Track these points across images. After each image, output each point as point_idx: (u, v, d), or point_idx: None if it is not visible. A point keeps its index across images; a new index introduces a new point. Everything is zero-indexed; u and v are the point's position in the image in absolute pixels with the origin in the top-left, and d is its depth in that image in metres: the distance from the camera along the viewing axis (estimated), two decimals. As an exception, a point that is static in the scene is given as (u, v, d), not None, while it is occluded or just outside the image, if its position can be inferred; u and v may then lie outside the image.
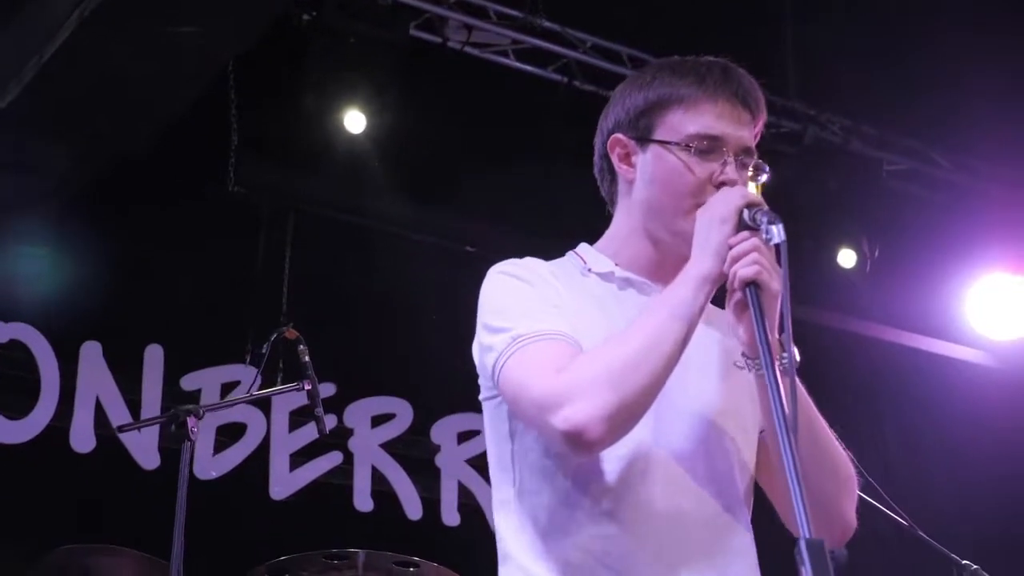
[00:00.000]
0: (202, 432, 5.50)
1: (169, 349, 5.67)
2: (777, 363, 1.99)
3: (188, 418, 3.76)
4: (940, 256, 7.04)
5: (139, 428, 4.64)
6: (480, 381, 2.33)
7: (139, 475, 5.41)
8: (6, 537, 5.02)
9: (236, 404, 4.63)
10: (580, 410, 2.06)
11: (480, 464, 6.18)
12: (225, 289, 5.84)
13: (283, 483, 5.76)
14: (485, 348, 2.24)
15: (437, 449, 6.16)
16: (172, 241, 5.72)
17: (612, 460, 2.16)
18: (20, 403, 5.35)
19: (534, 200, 6.17)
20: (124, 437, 5.42)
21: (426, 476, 6.10)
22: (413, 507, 6.00)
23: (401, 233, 6.30)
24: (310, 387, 3.98)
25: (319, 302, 6.01)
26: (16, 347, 5.41)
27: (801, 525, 1.80)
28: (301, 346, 3.95)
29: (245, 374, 5.75)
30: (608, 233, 2.38)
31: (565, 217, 4.52)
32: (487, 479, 6.23)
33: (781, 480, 1.96)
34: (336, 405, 5.81)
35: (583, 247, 2.39)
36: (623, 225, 2.35)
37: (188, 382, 5.65)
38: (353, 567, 3.98)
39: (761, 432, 2.29)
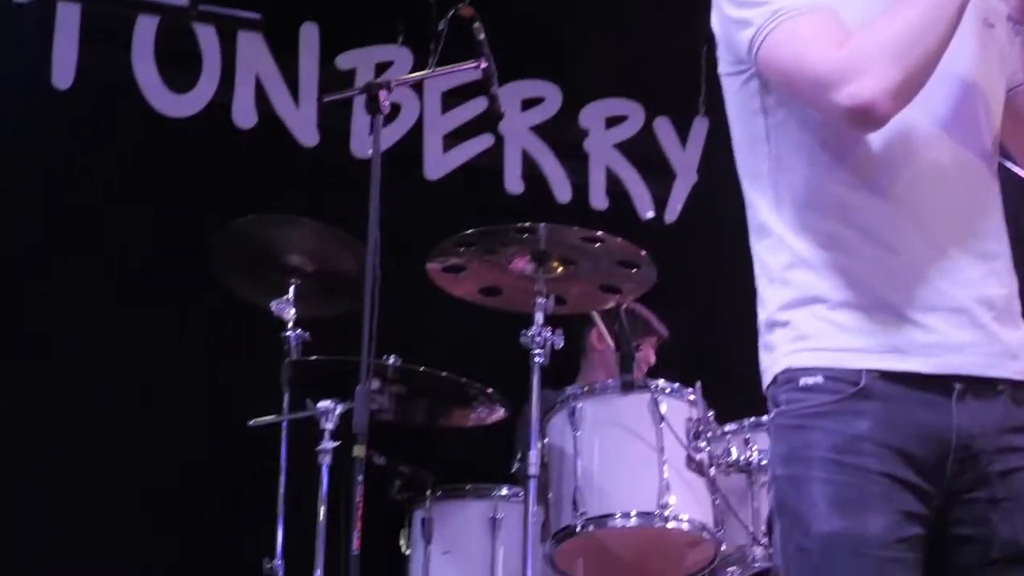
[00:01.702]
0: (358, 112, 5.68)
1: (324, 28, 5.74)
2: None
3: (380, 92, 3.83)
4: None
5: (337, 100, 4.72)
6: (722, 56, 2.31)
7: (298, 151, 5.57)
8: (174, 208, 5.25)
9: (412, 81, 4.62)
10: (867, 86, 2.07)
11: (629, 150, 6.25)
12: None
13: (436, 164, 5.89)
14: (736, 22, 2.22)
15: (585, 133, 6.22)
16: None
17: (876, 133, 2.17)
18: (184, 78, 5.48)
19: None
20: (284, 114, 5.56)
21: (574, 160, 6.18)
22: (562, 190, 6.11)
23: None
24: (486, 65, 4.03)
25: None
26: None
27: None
28: (476, 24, 3.97)
29: (398, 55, 5.83)
30: None
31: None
32: (635, 164, 6.35)
33: None
34: (487, 87, 5.86)
35: None
36: None
37: (343, 61, 5.73)
38: (536, 240, 4.09)
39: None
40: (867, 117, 2.10)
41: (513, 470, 4.22)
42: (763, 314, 2.29)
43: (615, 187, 6.22)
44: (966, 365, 2.17)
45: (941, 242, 2.19)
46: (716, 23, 2.31)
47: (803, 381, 2.19)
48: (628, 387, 4.12)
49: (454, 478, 4.55)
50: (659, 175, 6.31)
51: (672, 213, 6.30)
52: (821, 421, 2.17)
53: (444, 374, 4.29)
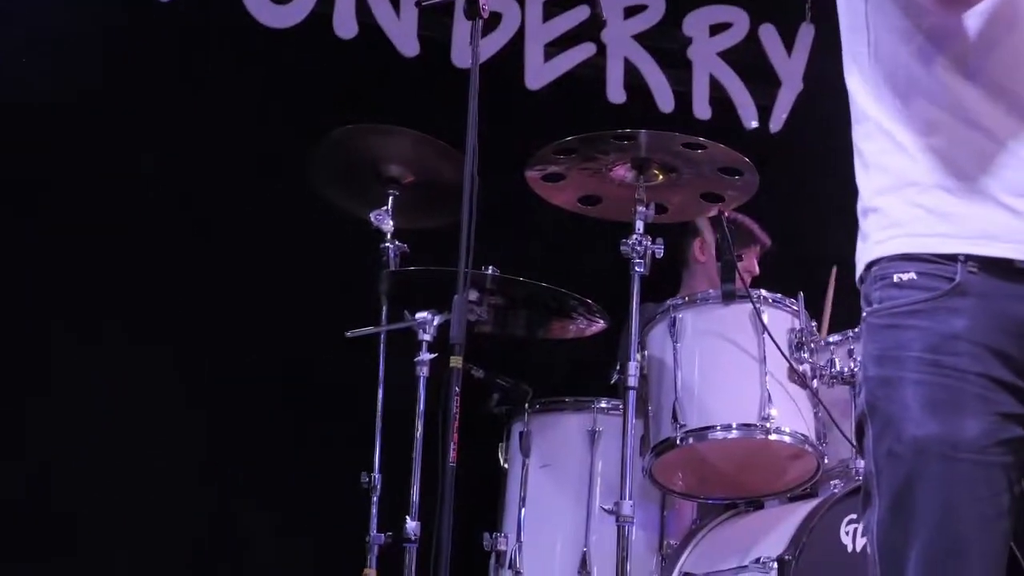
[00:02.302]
0: (459, 21, 5.62)
1: (423, -64, 5.67)
2: None
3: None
4: None
5: (437, 4, 4.67)
6: None
7: (399, 62, 5.53)
8: (274, 119, 5.24)
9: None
10: None
11: (733, 58, 6.13)
12: None
13: (538, 73, 5.82)
14: None
15: (689, 41, 6.11)
16: None
17: (974, 15, 2.14)
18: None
19: None
20: (385, 24, 5.52)
21: (677, 68, 6.08)
22: (665, 99, 6.01)
23: None
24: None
25: None
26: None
27: None
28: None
29: (498, -38, 5.75)
30: None
31: None
32: (739, 73, 6.24)
33: None
34: (589, -5, 5.79)
35: None
36: None
37: (448, -28, 5.66)
38: (637, 147, 4.03)
39: None
40: None
41: (612, 381, 4.18)
42: (859, 203, 2.26)
43: (719, 96, 6.11)
44: None
45: None
46: None
47: (896, 277, 2.15)
48: (729, 297, 4.06)
49: (552, 391, 4.54)
50: (764, 84, 6.19)
51: (777, 122, 6.18)
52: (915, 319, 2.13)
53: (543, 285, 4.25)
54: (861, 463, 3.95)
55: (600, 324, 4.42)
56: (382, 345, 4.38)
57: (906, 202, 2.16)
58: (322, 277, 5.05)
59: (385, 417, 4.32)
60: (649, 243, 3.99)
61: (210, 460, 4.99)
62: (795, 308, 4.12)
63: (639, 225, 4.01)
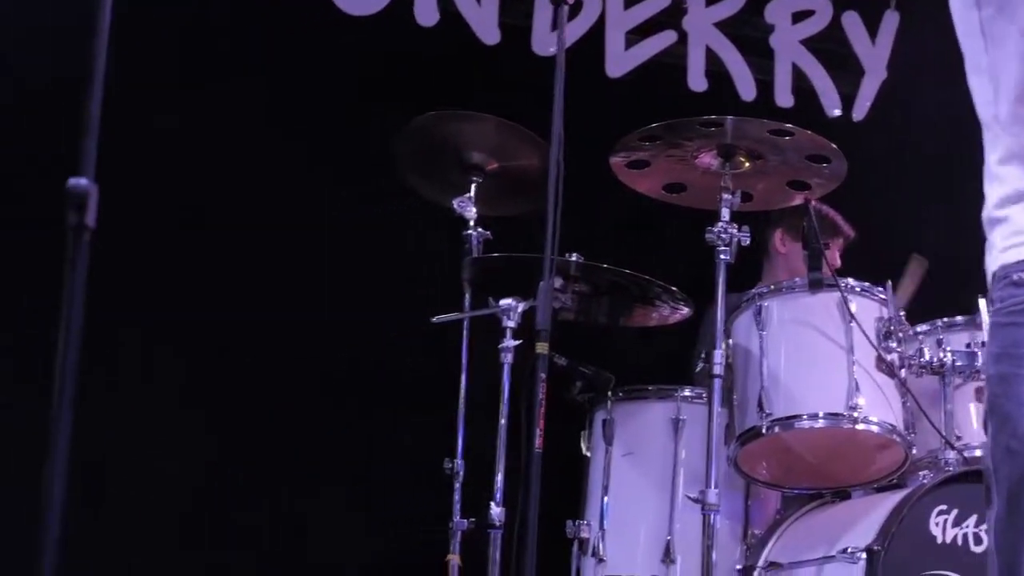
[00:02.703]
0: (539, 8, 5.61)
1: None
2: None
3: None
4: None
5: None
6: None
7: (480, 50, 5.52)
8: (356, 106, 5.25)
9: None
10: None
11: (815, 46, 6.08)
12: None
13: (618, 61, 5.79)
14: None
15: (771, 29, 6.06)
16: None
17: None
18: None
19: None
20: (466, 12, 5.51)
21: (759, 56, 6.03)
22: (747, 87, 5.97)
23: None
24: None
25: None
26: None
27: None
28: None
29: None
30: None
31: None
32: (822, 60, 6.17)
33: None
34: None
35: None
36: None
37: (528, -42, 5.65)
38: (723, 134, 4.01)
39: None
40: None
41: (697, 370, 4.15)
42: (985, 213, 2.27)
43: (801, 84, 6.05)
44: None
45: None
46: None
47: (1017, 276, 2.16)
48: (816, 285, 4.02)
49: (635, 379, 4.51)
50: (847, 72, 6.13)
51: (860, 111, 6.12)
52: None
53: (627, 272, 4.23)
54: (951, 454, 3.96)
55: (684, 312, 4.39)
56: (465, 332, 4.38)
57: None
58: (407, 264, 5.06)
59: (469, 404, 4.32)
60: (735, 231, 3.96)
61: (296, 447, 5.01)
62: (883, 297, 4.08)
63: (725, 213, 3.98)
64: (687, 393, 4.35)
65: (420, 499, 4.68)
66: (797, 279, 4.18)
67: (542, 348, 3.53)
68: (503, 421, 4.08)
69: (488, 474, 4.07)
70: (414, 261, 5.02)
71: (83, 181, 1.65)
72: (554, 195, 3.54)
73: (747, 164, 4.05)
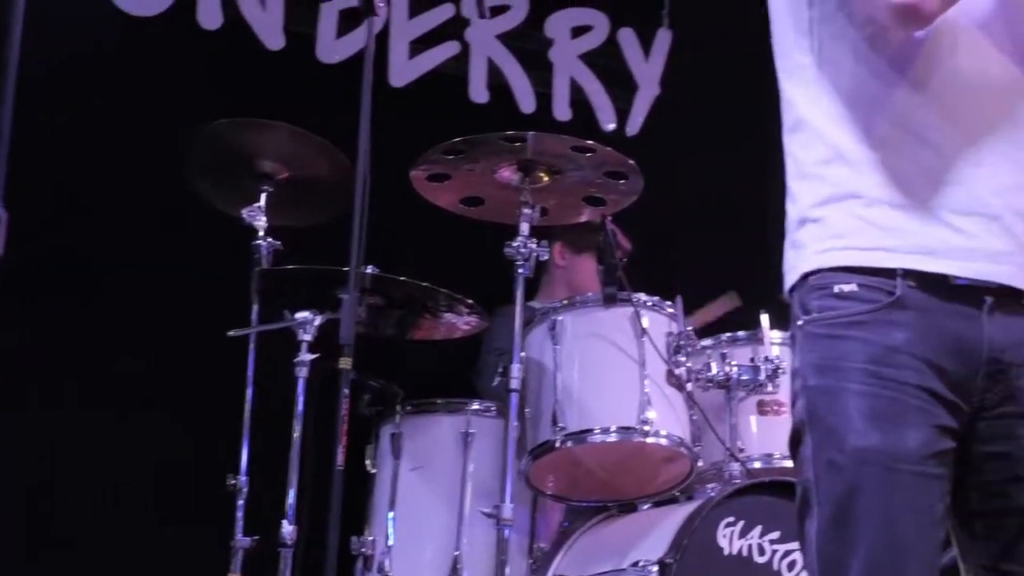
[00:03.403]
0: (325, 14, 5.54)
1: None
2: None
3: (375, -7, 3.70)
4: None
5: None
6: None
7: (264, 55, 5.43)
8: (136, 110, 5.10)
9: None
10: None
11: (594, 61, 6.16)
12: None
13: (402, 71, 5.76)
14: None
15: (551, 43, 6.12)
16: None
17: (919, 34, 2.15)
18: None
19: None
20: (249, 15, 5.40)
21: (539, 70, 6.08)
22: (526, 100, 6.01)
23: None
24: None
25: None
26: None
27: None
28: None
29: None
30: None
31: None
32: (600, 76, 6.25)
33: None
34: (452, -8, 5.78)
35: None
36: None
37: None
38: (524, 149, 4.01)
39: None
40: (913, 15, 2.09)
41: (495, 383, 4.16)
42: (793, 211, 2.26)
43: (579, 98, 6.13)
44: (999, 274, 2.16)
45: (980, 146, 2.17)
46: None
47: (837, 288, 2.17)
48: (611, 300, 4.07)
49: (424, 392, 4.50)
50: (622, 87, 6.23)
51: (634, 126, 6.23)
52: (856, 331, 2.14)
53: (422, 284, 4.21)
54: (735, 467, 4.06)
55: (475, 324, 4.39)
56: (251, 345, 4.29)
57: (850, 214, 2.17)
58: (196, 275, 4.93)
59: (258, 418, 4.23)
60: (534, 246, 3.98)
61: (82, 459, 4.83)
62: (672, 312, 4.16)
63: (524, 228, 3.99)
64: (476, 406, 4.36)
65: (203, 516, 4.56)
66: (590, 294, 4.23)
67: (345, 363, 3.50)
68: (296, 436, 4.01)
69: (279, 491, 4.00)
70: (204, 271, 4.89)
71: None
72: (360, 208, 3.51)
73: (546, 179, 4.07)
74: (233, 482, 4.21)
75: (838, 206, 2.19)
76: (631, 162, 4.01)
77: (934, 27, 2.14)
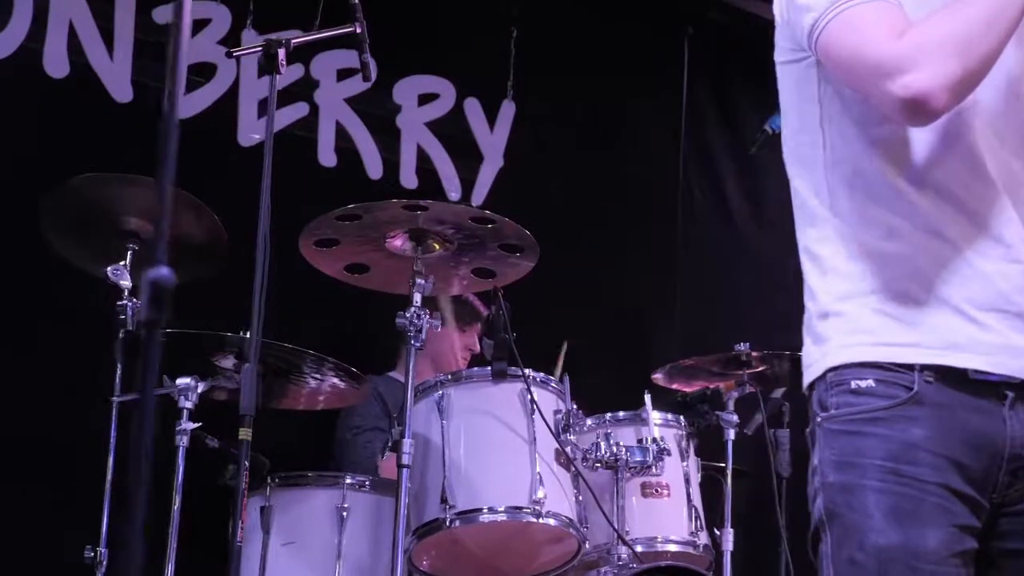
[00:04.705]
0: (183, 75, 5.32)
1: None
2: None
3: (279, 50, 3.56)
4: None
5: (245, 53, 4.22)
6: (780, 43, 2.27)
7: (112, 107, 5.18)
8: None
9: (306, 43, 4.12)
10: (924, 78, 2.03)
11: (439, 129, 6.07)
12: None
13: (250, 130, 5.58)
14: (799, 7, 2.16)
15: (399, 109, 6.01)
16: None
17: (932, 125, 2.13)
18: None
19: None
20: (97, 66, 5.15)
21: (387, 135, 5.97)
22: (374, 166, 5.89)
23: None
24: (360, 30, 3.84)
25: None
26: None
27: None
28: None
29: (216, 12, 5.52)
30: None
31: None
32: (445, 145, 6.17)
33: None
34: (303, 55, 5.62)
35: None
36: None
37: (160, 15, 5.35)
38: (416, 218, 3.89)
39: None
40: (922, 109, 2.07)
41: (383, 459, 4.00)
42: (814, 306, 2.24)
43: (425, 166, 6.03)
44: (1021, 368, 2.14)
45: (997, 241, 2.17)
46: (778, 8, 2.27)
47: (854, 384, 2.14)
48: (501, 375, 3.97)
49: (292, 464, 4.31)
50: (468, 157, 6.16)
51: (478, 196, 6.16)
52: (874, 427, 2.12)
53: (304, 350, 4.04)
54: (623, 549, 3.99)
55: (348, 393, 4.24)
56: (114, 411, 4.05)
57: (871, 309, 2.16)
58: (54, 337, 4.63)
59: (117, 488, 3.98)
60: (427, 318, 3.85)
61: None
62: (560, 389, 4.08)
63: (416, 298, 3.86)
64: (351, 480, 4.19)
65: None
66: (475, 369, 4.14)
67: (245, 434, 3.33)
68: (176, 507, 3.79)
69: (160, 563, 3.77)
70: (62, 334, 4.60)
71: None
72: (261, 274, 3.37)
73: (438, 248, 3.95)
74: (92, 554, 3.97)
75: (859, 300, 2.17)
76: (529, 234, 3.91)
77: (947, 121, 2.13)
